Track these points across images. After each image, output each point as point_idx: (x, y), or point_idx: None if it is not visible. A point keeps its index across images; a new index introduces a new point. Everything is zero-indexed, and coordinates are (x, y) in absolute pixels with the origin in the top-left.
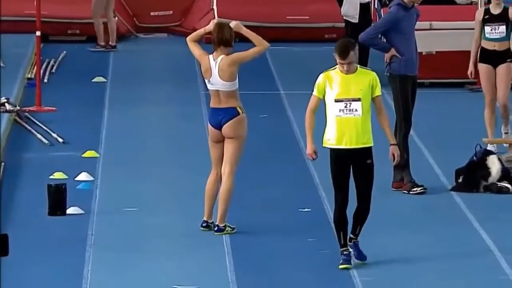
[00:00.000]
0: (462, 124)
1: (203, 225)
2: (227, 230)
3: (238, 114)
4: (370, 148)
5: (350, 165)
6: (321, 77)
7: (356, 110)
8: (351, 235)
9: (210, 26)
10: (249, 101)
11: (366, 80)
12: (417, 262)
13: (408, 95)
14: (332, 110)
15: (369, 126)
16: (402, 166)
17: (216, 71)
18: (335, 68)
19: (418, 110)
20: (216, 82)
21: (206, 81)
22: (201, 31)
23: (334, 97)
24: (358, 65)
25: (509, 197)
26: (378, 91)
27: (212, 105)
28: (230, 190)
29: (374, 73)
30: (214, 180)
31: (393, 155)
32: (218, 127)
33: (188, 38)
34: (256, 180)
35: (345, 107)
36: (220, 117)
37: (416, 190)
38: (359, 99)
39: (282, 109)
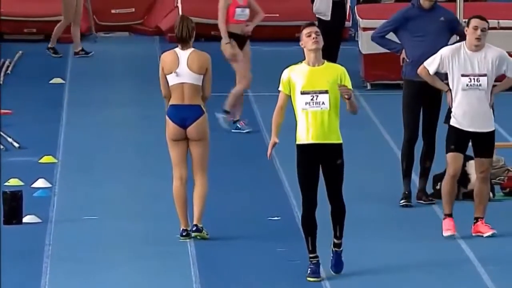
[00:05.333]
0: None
1: (183, 234)
2: (203, 232)
3: (203, 112)
4: (339, 145)
5: (319, 164)
6: (285, 72)
7: (323, 102)
8: (334, 240)
9: None
10: (215, 104)
11: (334, 73)
12: (393, 272)
13: (414, 102)
14: (299, 103)
15: (337, 123)
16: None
17: (185, 61)
18: (301, 62)
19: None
20: (183, 73)
21: (171, 76)
22: None
23: (300, 89)
24: (325, 60)
25: (489, 205)
26: (347, 84)
27: (173, 101)
28: (205, 194)
29: (343, 68)
30: (181, 186)
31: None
32: (182, 125)
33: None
34: (223, 187)
35: (312, 99)
36: (184, 115)
37: (401, 203)
38: (326, 91)
39: (250, 112)
